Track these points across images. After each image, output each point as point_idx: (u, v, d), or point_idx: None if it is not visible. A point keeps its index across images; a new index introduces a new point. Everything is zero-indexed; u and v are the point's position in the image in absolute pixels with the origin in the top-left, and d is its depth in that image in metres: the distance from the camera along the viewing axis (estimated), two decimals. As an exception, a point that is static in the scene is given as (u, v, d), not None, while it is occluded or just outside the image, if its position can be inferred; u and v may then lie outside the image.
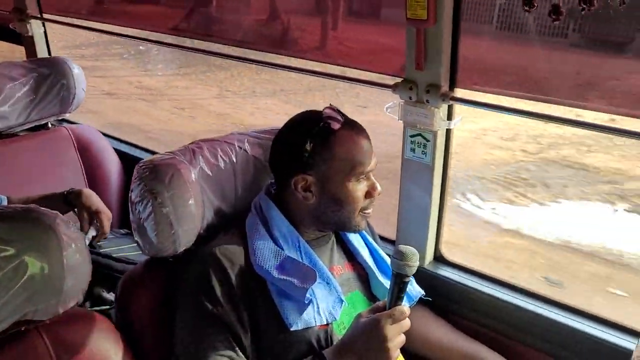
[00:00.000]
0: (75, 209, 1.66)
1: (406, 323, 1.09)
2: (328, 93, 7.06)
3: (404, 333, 1.10)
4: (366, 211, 1.23)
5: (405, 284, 1.08)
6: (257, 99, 7.21)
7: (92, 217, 1.65)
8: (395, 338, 1.07)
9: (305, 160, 1.18)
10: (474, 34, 1.38)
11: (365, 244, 1.35)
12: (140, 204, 1.18)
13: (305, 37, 1.77)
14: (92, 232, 1.66)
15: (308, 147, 1.17)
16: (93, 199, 1.67)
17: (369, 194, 1.22)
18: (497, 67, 1.41)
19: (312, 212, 1.22)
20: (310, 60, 1.69)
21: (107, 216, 1.67)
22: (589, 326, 1.31)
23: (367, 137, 1.22)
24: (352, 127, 1.21)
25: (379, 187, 1.23)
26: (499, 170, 4.94)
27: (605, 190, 4.62)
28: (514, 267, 3.48)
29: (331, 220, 1.22)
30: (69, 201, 1.66)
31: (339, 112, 1.22)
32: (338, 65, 1.63)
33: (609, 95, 1.28)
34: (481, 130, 5.76)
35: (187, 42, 2.19)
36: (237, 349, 1.10)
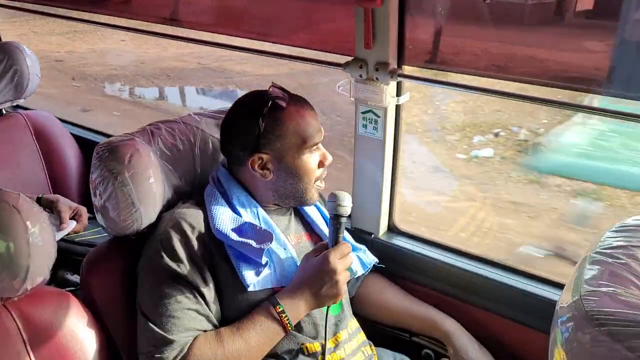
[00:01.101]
0: (48, 210, 1.78)
1: (350, 258, 1.23)
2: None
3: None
4: (319, 183, 1.31)
5: (342, 223, 1.21)
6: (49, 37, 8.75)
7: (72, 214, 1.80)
8: (343, 272, 1.19)
9: (259, 140, 1.24)
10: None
11: (321, 215, 1.42)
12: (101, 184, 1.21)
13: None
14: (71, 225, 1.77)
15: (260, 127, 1.23)
16: (68, 200, 1.84)
17: (321, 164, 1.30)
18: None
19: (270, 187, 1.28)
20: (262, 40, 1.73)
21: (85, 211, 1.84)
22: (524, 283, 1.43)
23: (313, 110, 1.30)
24: (299, 102, 1.28)
25: (329, 157, 1.31)
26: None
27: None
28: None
29: (289, 194, 1.29)
30: (41, 204, 1.77)
31: (283, 89, 1.27)
32: (293, 46, 1.67)
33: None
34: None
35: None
36: (202, 303, 1.16)
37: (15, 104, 2.09)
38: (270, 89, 1.27)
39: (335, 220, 1.21)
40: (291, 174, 1.26)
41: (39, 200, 1.82)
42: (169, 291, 1.14)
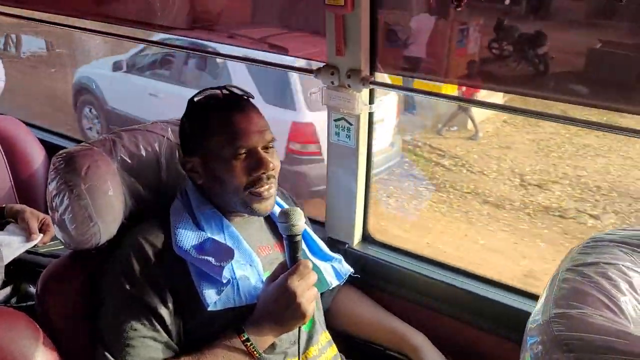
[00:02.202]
0: (13, 221, 1.72)
1: (313, 276, 1.13)
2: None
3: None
4: (255, 190, 1.17)
5: (297, 242, 1.13)
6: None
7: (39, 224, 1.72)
8: (305, 292, 1.11)
9: (187, 143, 1.21)
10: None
11: None
12: (57, 197, 1.16)
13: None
14: (39, 237, 1.70)
15: (187, 129, 1.20)
16: (34, 210, 1.75)
17: (253, 170, 1.17)
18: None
19: (209, 192, 1.22)
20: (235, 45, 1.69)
21: (51, 220, 1.74)
22: (497, 294, 1.41)
23: (250, 112, 1.19)
24: (229, 102, 1.20)
25: (267, 163, 1.16)
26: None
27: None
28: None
29: (221, 201, 1.21)
30: (4, 215, 1.72)
31: (224, 90, 1.22)
32: (266, 51, 1.63)
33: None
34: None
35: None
36: (159, 329, 1.11)
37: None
38: (207, 90, 1.22)
39: (289, 240, 1.13)
40: (216, 178, 1.18)
41: (2, 212, 1.75)
42: (126, 317, 1.10)
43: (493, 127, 6.20)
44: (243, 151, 1.17)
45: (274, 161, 1.19)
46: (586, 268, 0.87)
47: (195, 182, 1.22)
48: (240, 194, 1.18)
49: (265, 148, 1.19)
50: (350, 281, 1.45)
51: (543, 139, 5.82)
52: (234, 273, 1.16)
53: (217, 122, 1.17)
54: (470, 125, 6.07)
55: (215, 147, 1.17)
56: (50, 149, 2.10)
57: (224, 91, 1.23)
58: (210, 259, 1.13)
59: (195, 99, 1.23)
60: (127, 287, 1.11)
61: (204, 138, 1.18)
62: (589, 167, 5.24)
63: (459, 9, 1.06)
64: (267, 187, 1.18)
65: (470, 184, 4.99)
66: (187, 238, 1.16)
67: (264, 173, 1.17)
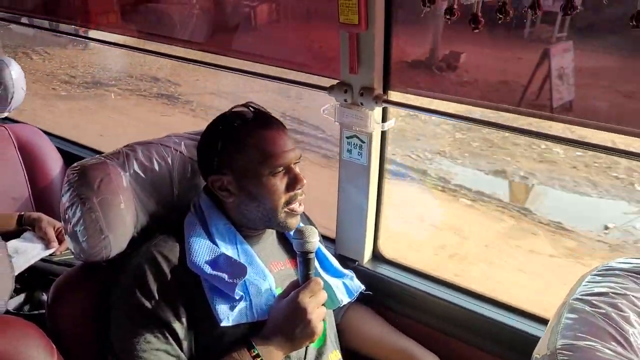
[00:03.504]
0: (30, 229, 1.77)
1: (323, 294, 1.14)
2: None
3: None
4: (291, 206, 1.21)
5: (310, 260, 1.14)
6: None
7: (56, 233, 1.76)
8: (316, 310, 1.12)
9: (218, 161, 1.20)
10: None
11: None
12: (70, 209, 1.17)
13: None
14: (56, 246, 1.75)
15: (218, 147, 1.19)
16: (51, 219, 1.80)
17: (290, 188, 1.20)
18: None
19: (237, 210, 1.23)
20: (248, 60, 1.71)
21: None
22: (511, 318, 1.38)
23: (281, 130, 1.22)
24: (262, 120, 1.21)
25: (302, 180, 1.20)
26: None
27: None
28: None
29: (255, 218, 1.22)
30: (22, 223, 1.77)
31: (251, 107, 1.23)
32: (277, 66, 1.64)
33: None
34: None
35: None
36: (173, 343, 1.12)
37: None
38: (234, 107, 1.23)
39: (303, 257, 1.14)
40: (252, 196, 1.19)
41: (21, 219, 1.79)
42: (140, 330, 1.10)
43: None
44: (281, 169, 1.19)
45: None
46: (595, 298, 0.85)
47: (223, 199, 1.22)
48: (279, 210, 1.20)
49: (294, 164, 1.22)
50: (360, 298, 1.44)
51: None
52: (247, 289, 1.17)
53: (252, 139, 1.18)
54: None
55: (250, 164, 1.18)
56: (68, 158, 2.14)
57: (251, 108, 1.23)
58: (223, 275, 1.13)
59: (226, 117, 1.22)
60: (142, 300, 1.11)
61: (238, 156, 1.18)
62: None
63: (476, 30, 1.05)
64: (299, 203, 1.22)
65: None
66: (201, 253, 1.16)
67: (299, 189, 1.20)
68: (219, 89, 7.35)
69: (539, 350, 0.80)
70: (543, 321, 1.34)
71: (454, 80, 1.40)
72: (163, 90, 7.31)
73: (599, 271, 0.95)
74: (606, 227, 3.92)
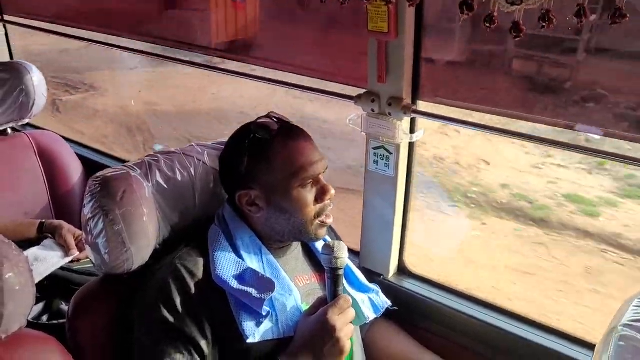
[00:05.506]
0: (50, 236, 1.77)
1: (352, 312, 1.12)
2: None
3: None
4: (322, 218, 1.18)
5: (339, 276, 1.12)
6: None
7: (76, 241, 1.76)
8: (344, 327, 1.09)
9: (245, 176, 1.16)
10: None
11: None
12: (92, 220, 1.15)
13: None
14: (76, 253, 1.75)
15: (244, 161, 1.15)
16: (71, 227, 1.79)
17: (320, 199, 1.17)
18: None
19: (265, 224, 1.19)
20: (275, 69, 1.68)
21: None
22: (551, 341, 1.32)
23: (308, 141, 1.18)
24: (288, 132, 1.17)
25: (331, 190, 1.17)
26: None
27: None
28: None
29: (285, 231, 1.19)
30: (43, 230, 1.77)
31: (275, 119, 1.19)
32: (301, 74, 1.61)
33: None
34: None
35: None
36: (197, 358, 1.08)
37: (20, 123, 2.06)
38: (258, 119, 1.19)
39: (332, 273, 1.11)
40: (282, 210, 1.16)
41: (42, 226, 1.77)
42: (164, 346, 1.07)
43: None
44: (310, 181, 1.16)
45: None
46: (647, 325, 0.80)
47: (251, 215, 1.18)
48: (311, 222, 1.17)
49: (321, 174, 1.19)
50: (384, 313, 1.40)
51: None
52: (274, 304, 1.14)
53: (280, 153, 1.14)
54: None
55: (279, 178, 1.14)
56: (88, 166, 2.13)
57: (274, 119, 1.19)
58: (251, 290, 1.10)
59: (250, 129, 1.18)
60: (167, 316, 1.08)
61: (265, 170, 1.15)
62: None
63: (517, 39, 1.00)
64: (329, 214, 1.20)
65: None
66: (227, 267, 1.13)
67: (328, 199, 1.18)
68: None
69: None
70: (588, 346, 1.28)
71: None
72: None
73: (646, 295, 0.90)
74: None
